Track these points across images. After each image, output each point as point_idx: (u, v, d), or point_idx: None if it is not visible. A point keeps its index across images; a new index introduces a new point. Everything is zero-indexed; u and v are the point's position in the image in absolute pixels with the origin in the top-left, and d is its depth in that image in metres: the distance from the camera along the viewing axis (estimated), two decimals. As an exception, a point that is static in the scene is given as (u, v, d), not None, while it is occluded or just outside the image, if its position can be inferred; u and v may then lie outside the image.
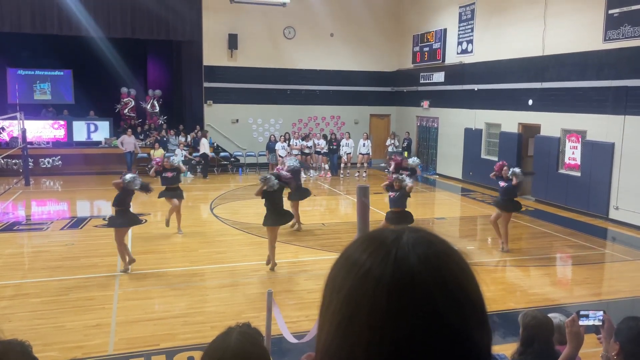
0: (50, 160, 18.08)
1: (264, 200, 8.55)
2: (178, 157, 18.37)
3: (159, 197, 10.49)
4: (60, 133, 19.09)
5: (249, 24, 20.08)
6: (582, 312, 2.59)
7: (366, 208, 2.16)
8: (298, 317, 6.65)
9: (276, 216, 8.56)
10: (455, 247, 0.73)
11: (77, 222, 11.80)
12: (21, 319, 6.60)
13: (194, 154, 18.83)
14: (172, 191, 10.49)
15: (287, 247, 9.95)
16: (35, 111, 20.27)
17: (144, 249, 9.68)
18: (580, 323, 2.58)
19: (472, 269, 0.73)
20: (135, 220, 8.67)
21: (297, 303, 7.20)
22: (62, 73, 22.10)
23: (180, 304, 7.20)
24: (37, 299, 7.26)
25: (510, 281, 8.63)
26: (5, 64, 21.21)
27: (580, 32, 13.07)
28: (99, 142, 19.15)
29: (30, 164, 16.79)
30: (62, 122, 19.24)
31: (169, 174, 10.43)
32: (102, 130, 19.38)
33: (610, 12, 12.21)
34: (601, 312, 2.61)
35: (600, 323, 2.60)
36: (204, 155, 18.35)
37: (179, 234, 10.67)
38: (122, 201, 8.44)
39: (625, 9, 11.85)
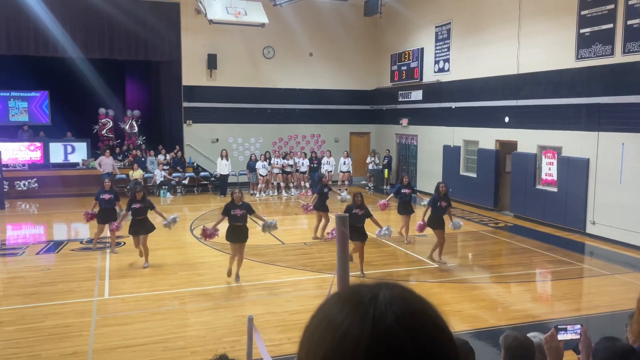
0: (26, 183, 17.76)
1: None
2: (158, 177, 18.43)
3: (129, 232, 10.07)
4: (36, 155, 18.79)
5: (228, 44, 20.15)
6: (560, 326, 2.61)
7: (345, 237, 2.17)
8: (280, 340, 6.59)
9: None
10: (430, 303, 0.73)
11: (53, 246, 11.57)
12: (-5, 349, 6.41)
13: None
14: (139, 224, 9.92)
15: (269, 268, 9.89)
16: (11, 133, 19.97)
17: (122, 272, 9.52)
18: (559, 337, 2.60)
19: (448, 325, 0.73)
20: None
21: (279, 325, 7.13)
22: (38, 94, 21.85)
23: (160, 329, 7.07)
24: (11, 327, 7.07)
25: (491, 298, 8.67)
26: (-19, 85, 20.92)
27: (553, 51, 13.38)
28: (76, 164, 18.88)
29: (5, 186, 16.47)
30: (38, 144, 18.96)
31: (137, 205, 9.94)
32: (79, 152, 19.14)
33: (582, 31, 12.55)
34: (579, 326, 2.65)
35: (579, 336, 2.63)
36: (221, 176, 18.51)
37: (145, 267, 9.90)
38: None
39: (596, 28, 12.19)
